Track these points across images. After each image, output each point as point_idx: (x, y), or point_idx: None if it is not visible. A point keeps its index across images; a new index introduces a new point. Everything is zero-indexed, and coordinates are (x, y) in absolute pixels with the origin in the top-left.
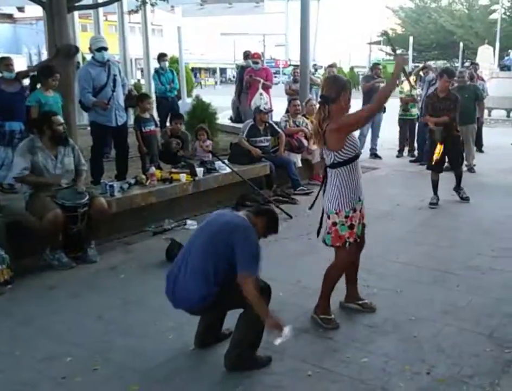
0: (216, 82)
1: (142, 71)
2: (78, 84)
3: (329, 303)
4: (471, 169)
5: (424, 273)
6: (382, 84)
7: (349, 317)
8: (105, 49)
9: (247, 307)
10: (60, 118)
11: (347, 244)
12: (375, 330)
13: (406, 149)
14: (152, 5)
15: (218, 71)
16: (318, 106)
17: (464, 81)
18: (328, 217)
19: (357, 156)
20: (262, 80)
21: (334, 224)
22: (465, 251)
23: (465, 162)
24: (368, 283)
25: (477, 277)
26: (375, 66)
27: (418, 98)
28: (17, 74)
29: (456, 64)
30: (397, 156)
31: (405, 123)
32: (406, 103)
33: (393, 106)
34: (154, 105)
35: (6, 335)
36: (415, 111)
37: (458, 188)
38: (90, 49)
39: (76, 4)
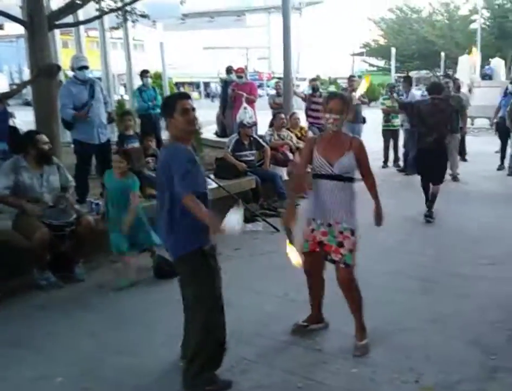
0: (200, 96)
1: (125, 86)
2: (60, 101)
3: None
4: (455, 178)
5: (412, 282)
6: (354, 94)
7: (337, 328)
8: (86, 67)
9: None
10: (44, 137)
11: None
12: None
13: (391, 159)
14: (133, 21)
15: (202, 85)
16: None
17: (449, 92)
18: (354, 233)
19: (316, 175)
20: (245, 94)
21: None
22: (450, 260)
23: (449, 171)
24: None
25: (462, 285)
26: (350, 79)
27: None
28: (0, 95)
29: (439, 74)
30: (383, 167)
31: (388, 133)
32: (388, 114)
33: (377, 117)
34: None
35: None
36: (397, 122)
37: (430, 205)
38: (72, 67)
39: (57, 23)
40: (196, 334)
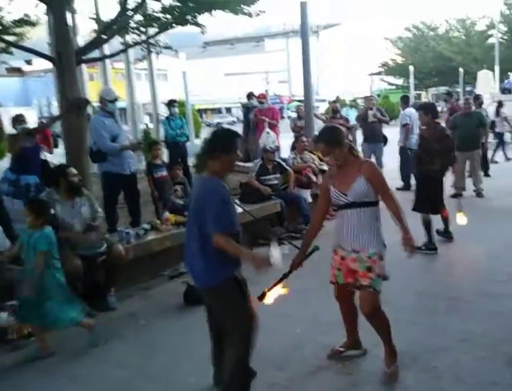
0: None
1: (150, 116)
2: (94, 134)
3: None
4: (479, 194)
5: (438, 301)
6: (370, 112)
7: (367, 349)
8: (117, 100)
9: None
10: (74, 170)
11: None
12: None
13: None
14: (157, 53)
15: (223, 110)
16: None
17: (469, 108)
18: (382, 258)
19: (336, 206)
20: (267, 119)
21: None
22: (476, 278)
23: (472, 187)
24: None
25: (490, 303)
26: (367, 98)
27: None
28: (33, 129)
29: (458, 90)
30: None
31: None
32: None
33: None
34: (165, 151)
35: (32, 386)
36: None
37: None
38: (101, 100)
39: (84, 58)
40: (231, 363)
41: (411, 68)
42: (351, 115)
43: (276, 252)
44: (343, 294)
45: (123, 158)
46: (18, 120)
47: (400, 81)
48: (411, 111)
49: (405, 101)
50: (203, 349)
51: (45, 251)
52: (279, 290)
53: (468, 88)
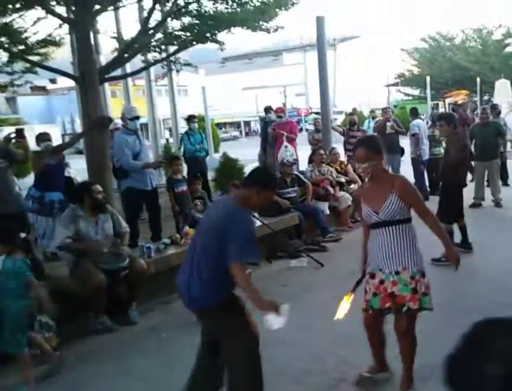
0: (241, 135)
1: (170, 130)
2: (117, 152)
3: None
4: (497, 204)
5: (458, 313)
6: (388, 124)
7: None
8: (138, 118)
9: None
10: (99, 187)
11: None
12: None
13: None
14: (177, 70)
15: (242, 124)
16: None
17: (487, 118)
18: (424, 275)
19: (369, 225)
20: (285, 133)
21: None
22: (496, 289)
23: (491, 197)
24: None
25: (510, 315)
26: (384, 110)
27: (441, 138)
28: (56, 147)
29: (475, 99)
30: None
31: (432, 162)
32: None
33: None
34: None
35: None
36: (439, 150)
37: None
38: (122, 118)
39: (107, 76)
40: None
41: (428, 78)
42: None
43: (285, 310)
44: (374, 322)
45: (145, 174)
46: (42, 138)
47: (416, 92)
48: (419, 122)
49: (413, 112)
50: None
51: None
52: (345, 305)
53: (485, 98)
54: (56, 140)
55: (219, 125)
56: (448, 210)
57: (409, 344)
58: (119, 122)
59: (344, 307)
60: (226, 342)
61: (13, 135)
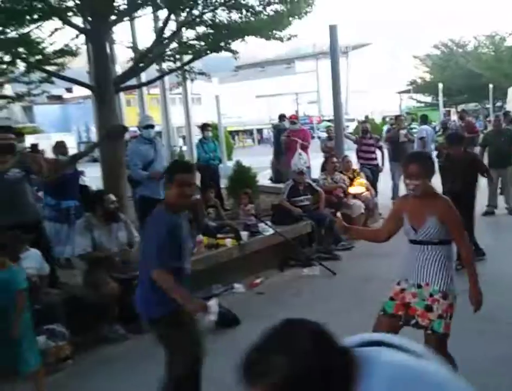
0: (254, 143)
1: (184, 138)
2: (129, 160)
3: None
4: (511, 211)
5: (472, 322)
6: (402, 132)
7: None
8: (152, 126)
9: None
10: (112, 197)
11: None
12: None
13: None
14: (192, 80)
15: (255, 132)
16: None
17: (500, 125)
18: (446, 297)
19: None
20: (299, 140)
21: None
22: (510, 300)
23: (504, 204)
24: (416, 336)
25: None
26: (397, 118)
27: None
28: (72, 157)
29: (488, 106)
30: None
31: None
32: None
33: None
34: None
35: None
36: None
37: None
38: (138, 127)
39: (122, 85)
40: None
41: (440, 85)
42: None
43: (213, 306)
44: (383, 327)
45: (157, 183)
46: (59, 146)
47: (428, 99)
48: (427, 127)
49: (423, 119)
50: (230, 375)
51: (25, 288)
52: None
53: (498, 104)
54: (72, 148)
55: (232, 133)
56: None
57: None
58: (136, 130)
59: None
60: (167, 355)
61: (28, 150)
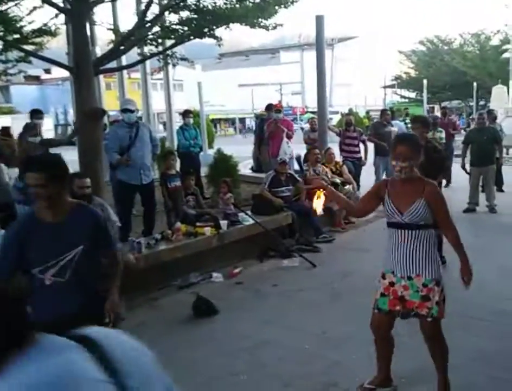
0: (235, 132)
1: (164, 125)
2: (107, 144)
3: None
4: (492, 209)
5: (452, 319)
6: (393, 129)
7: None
8: (130, 111)
9: None
10: (84, 181)
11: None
12: (406, 381)
13: None
14: (173, 65)
15: (237, 121)
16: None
17: (483, 123)
18: (439, 284)
19: (388, 223)
20: (285, 129)
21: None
22: (489, 295)
23: (485, 202)
24: (398, 332)
25: (505, 323)
26: (383, 112)
27: (442, 141)
28: (42, 142)
29: (471, 104)
30: None
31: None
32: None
33: None
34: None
35: None
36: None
37: None
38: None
39: (102, 68)
40: None
41: (425, 81)
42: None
43: None
44: (381, 324)
45: (135, 168)
46: (30, 128)
47: (413, 95)
48: (398, 122)
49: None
50: (212, 362)
51: None
52: (319, 201)
53: (481, 103)
54: (49, 131)
55: (214, 121)
56: None
57: (440, 347)
58: (114, 115)
59: (319, 203)
60: None
61: None
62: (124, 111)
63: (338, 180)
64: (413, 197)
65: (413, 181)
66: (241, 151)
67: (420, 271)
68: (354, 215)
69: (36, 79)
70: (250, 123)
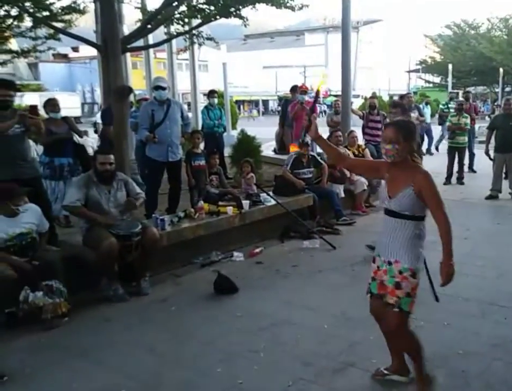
0: (259, 114)
1: (189, 105)
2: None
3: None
4: None
5: (472, 305)
6: (413, 115)
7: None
8: (162, 88)
9: None
10: (108, 157)
11: None
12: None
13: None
14: (199, 44)
15: (260, 103)
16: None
17: (510, 109)
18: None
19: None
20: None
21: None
22: (511, 282)
23: (509, 190)
24: (415, 316)
25: None
26: (405, 96)
27: (467, 127)
28: (65, 117)
29: (497, 90)
30: (444, 183)
31: (453, 150)
32: (453, 131)
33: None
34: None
35: (64, 368)
36: (463, 139)
37: None
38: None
39: (129, 46)
40: None
41: (450, 66)
42: (427, 113)
43: None
44: (376, 307)
45: (163, 146)
46: (51, 104)
47: (437, 80)
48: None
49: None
50: (231, 339)
51: None
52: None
53: (507, 89)
54: (76, 109)
55: (238, 103)
56: None
57: (403, 344)
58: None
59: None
60: None
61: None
62: (156, 88)
63: None
64: (402, 186)
65: (405, 168)
66: (264, 132)
67: (399, 257)
68: (341, 164)
69: (64, 57)
70: (274, 105)
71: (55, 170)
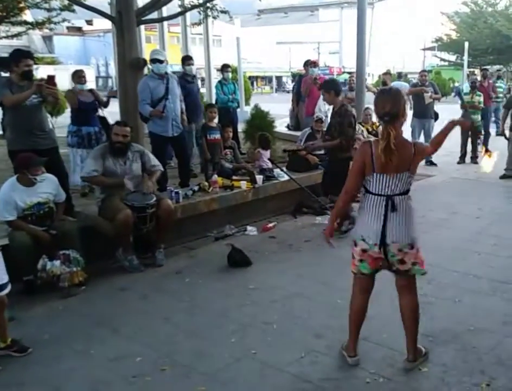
0: (272, 90)
1: (202, 80)
2: (138, 96)
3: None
4: None
5: (483, 283)
6: (426, 95)
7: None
8: (160, 61)
9: None
10: (124, 129)
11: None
12: (433, 340)
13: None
14: (214, 17)
15: (274, 79)
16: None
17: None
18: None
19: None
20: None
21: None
22: None
23: None
24: (424, 292)
25: None
26: (421, 73)
27: (481, 105)
28: (91, 90)
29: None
30: (458, 162)
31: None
32: (466, 109)
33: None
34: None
35: (81, 335)
36: (476, 117)
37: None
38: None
39: (144, 18)
40: None
41: (466, 44)
42: (503, 87)
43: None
44: (365, 285)
45: (166, 120)
46: (78, 76)
47: (453, 58)
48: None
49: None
50: (244, 311)
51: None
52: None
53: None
54: (90, 82)
55: (251, 78)
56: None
57: (410, 303)
58: None
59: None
60: None
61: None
62: (153, 61)
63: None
64: (397, 165)
65: (397, 145)
66: (277, 109)
67: (395, 238)
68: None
69: (78, 30)
70: (287, 81)
71: (83, 138)
